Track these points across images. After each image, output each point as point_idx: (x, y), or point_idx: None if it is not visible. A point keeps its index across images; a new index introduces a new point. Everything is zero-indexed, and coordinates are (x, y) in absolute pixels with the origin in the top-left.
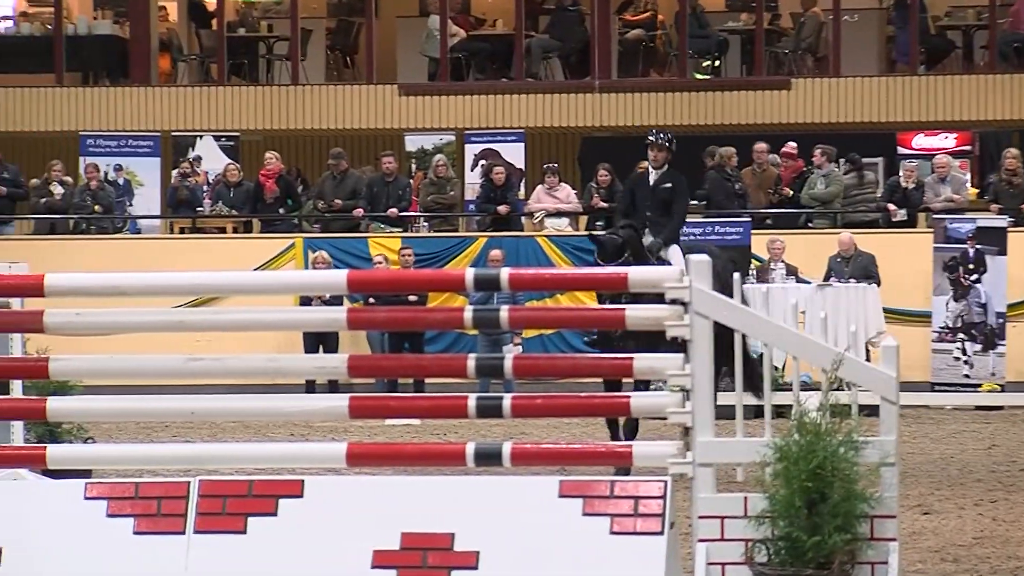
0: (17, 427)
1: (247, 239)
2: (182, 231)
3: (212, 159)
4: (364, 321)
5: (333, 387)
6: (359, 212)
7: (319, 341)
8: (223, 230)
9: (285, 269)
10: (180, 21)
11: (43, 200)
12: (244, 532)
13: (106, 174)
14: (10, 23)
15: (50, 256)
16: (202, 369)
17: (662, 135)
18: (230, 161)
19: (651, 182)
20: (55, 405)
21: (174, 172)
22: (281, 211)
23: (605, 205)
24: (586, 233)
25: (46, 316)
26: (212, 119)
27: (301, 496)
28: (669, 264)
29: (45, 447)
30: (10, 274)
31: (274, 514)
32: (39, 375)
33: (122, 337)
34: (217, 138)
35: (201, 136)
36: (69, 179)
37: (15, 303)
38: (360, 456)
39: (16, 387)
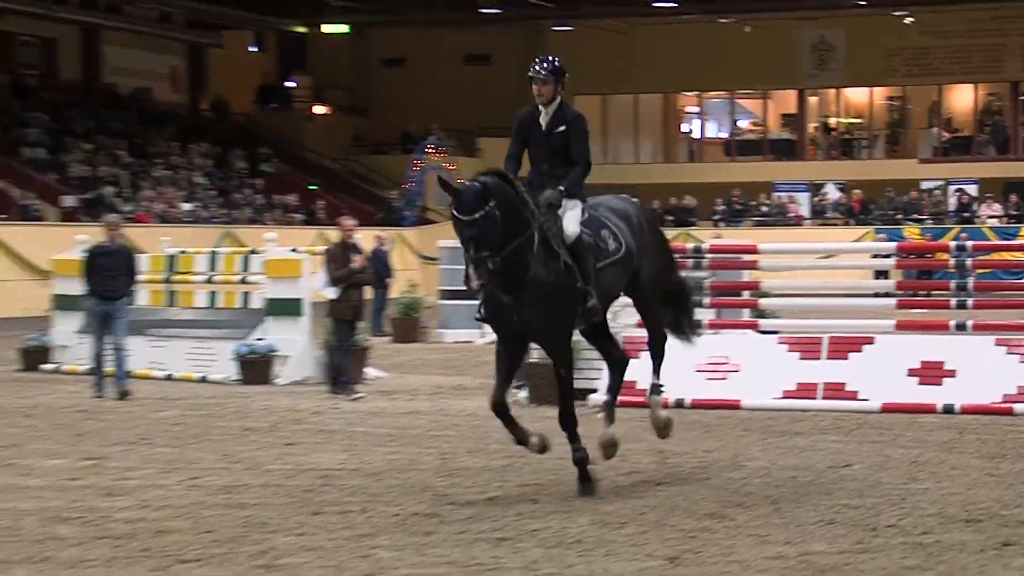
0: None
1: None
2: None
3: None
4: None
5: None
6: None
7: None
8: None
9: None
10: None
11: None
12: (846, 359)
13: None
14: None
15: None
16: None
17: (544, 63)
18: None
19: (543, 125)
20: (765, 303)
21: None
22: None
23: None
24: (1009, 224)
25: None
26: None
27: (873, 343)
28: (562, 222)
29: (757, 320)
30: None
31: (860, 351)
32: (755, 288)
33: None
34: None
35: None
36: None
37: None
38: (903, 326)
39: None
